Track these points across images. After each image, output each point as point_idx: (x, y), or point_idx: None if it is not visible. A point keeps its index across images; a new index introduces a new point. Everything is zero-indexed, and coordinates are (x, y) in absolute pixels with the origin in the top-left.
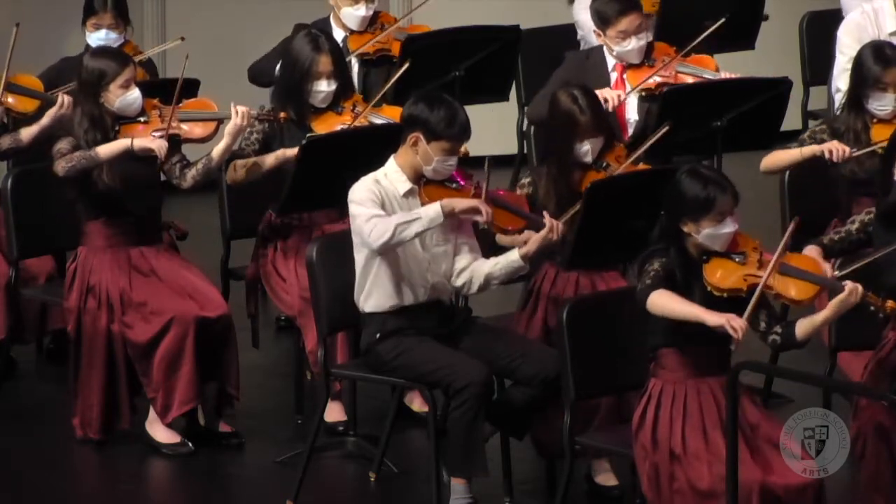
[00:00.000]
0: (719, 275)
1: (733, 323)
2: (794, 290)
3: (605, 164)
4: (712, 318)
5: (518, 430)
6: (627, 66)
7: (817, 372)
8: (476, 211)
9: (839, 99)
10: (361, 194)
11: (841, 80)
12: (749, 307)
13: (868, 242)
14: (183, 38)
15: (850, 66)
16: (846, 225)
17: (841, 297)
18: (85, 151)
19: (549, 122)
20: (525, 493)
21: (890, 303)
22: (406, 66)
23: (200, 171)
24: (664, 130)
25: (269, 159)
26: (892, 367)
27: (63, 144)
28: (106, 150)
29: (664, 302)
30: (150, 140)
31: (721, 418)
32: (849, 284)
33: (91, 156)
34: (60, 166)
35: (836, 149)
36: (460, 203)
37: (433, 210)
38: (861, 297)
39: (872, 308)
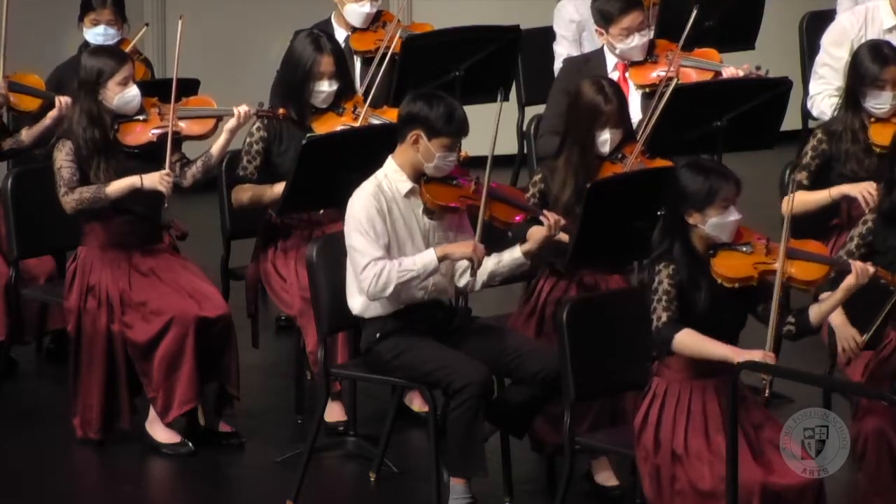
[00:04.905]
0: (728, 266)
1: (767, 360)
2: (805, 272)
3: (620, 156)
4: (744, 358)
5: (518, 429)
6: (630, 65)
7: (817, 372)
8: (470, 259)
9: (810, 103)
10: (361, 214)
11: (812, 81)
12: (773, 306)
13: (872, 253)
14: (147, 24)
15: (821, 70)
16: (846, 246)
17: (851, 278)
18: (95, 193)
19: (570, 111)
20: (525, 493)
21: None
22: (388, 62)
23: (200, 168)
24: (656, 118)
25: (269, 192)
26: (892, 367)
27: (63, 161)
28: (115, 189)
29: (691, 344)
30: (158, 182)
31: (724, 419)
32: (857, 264)
33: (100, 196)
34: (70, 206)
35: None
36: (455, 252)
37: (429, 259)
38: (870, 276)
39: (883, 282)
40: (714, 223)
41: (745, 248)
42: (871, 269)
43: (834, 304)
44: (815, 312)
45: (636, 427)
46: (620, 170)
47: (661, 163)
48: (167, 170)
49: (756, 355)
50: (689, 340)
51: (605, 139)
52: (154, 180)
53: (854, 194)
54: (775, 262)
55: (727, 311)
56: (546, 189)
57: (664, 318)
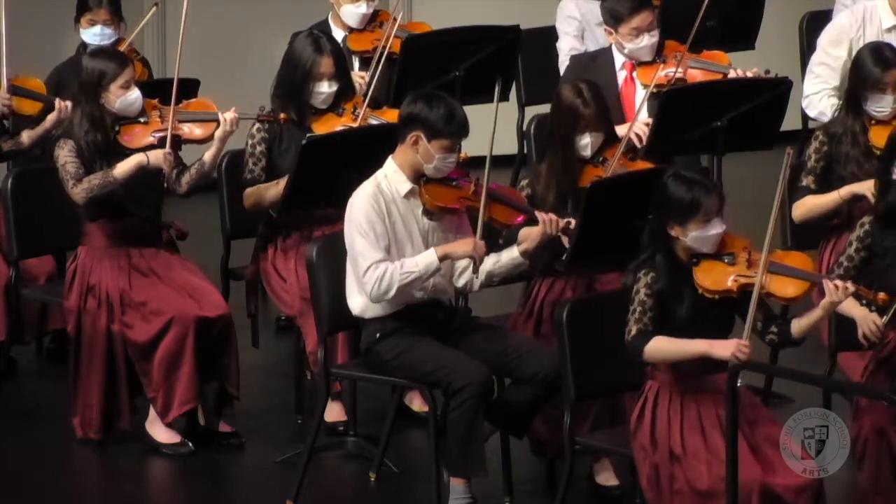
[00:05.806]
0: (710, 277)
1: (741, 352)
2: (785, 288)
3: (601, 160)
4: (719, 350)
5: (517, 429)
6: (638, 64)
7: (817, 372)
8: (471, 258)
9: (806, 102)
10: (360, 216)
11: (807, 80)
12: (749, 317)
13: (871, 256)
14: (157, 4)
15: (817, 69)
16: (845, 251)
17: (827, 297)
18: (103, 178)
19: (551, 115)
20: (525, 493)
21: (881, 295)
22: (386, 62)
23: (194, 175)
24: (643, 123)
25: (271, 192)
26: (892, 367)
27: (66, 157)
28: (122, 170)
29: (663, 349)
30: (163, 159)
31: (720, 418)
32: (835, 283)
33: (109, 181)
34: (80, 196)
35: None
36: (456, 250)
37: (430, 259)
38: (849, 293)
39: (865, 301)
40: (695, 236)
41: (726, 259)
42: (852, 289)
43: (814, 321)
44: (796, 326)
45: (632, 427)
46: (602, 173)
47: (642, 165)
48: (168, 148)
49: (730, 345)
50: (661, 346)
51: (586, 143)
52: (159, 158)
53: (863, 192)
54: (756, 275)
55: (709, 319)
56: (533, 193)
57: (634, 331)
